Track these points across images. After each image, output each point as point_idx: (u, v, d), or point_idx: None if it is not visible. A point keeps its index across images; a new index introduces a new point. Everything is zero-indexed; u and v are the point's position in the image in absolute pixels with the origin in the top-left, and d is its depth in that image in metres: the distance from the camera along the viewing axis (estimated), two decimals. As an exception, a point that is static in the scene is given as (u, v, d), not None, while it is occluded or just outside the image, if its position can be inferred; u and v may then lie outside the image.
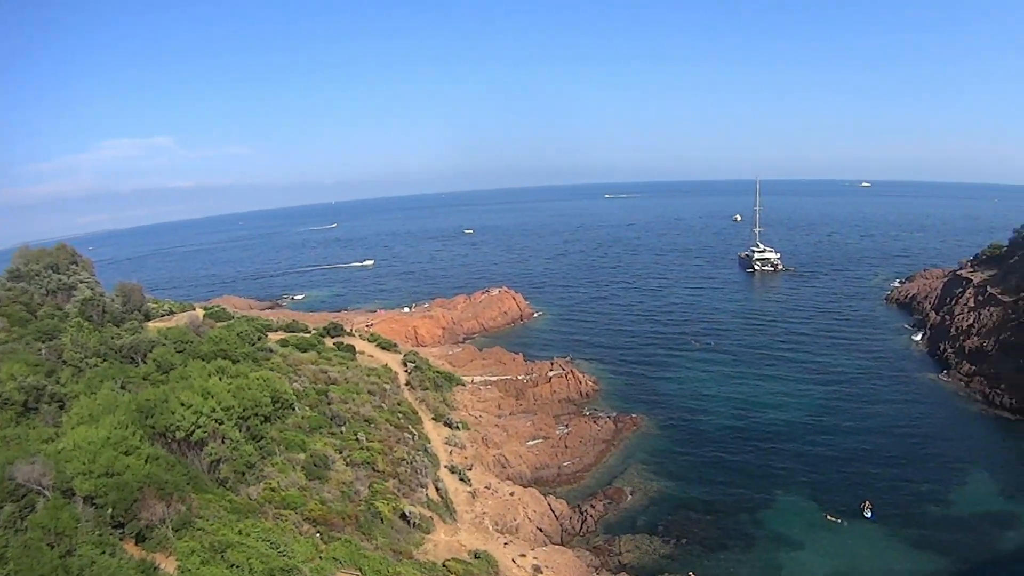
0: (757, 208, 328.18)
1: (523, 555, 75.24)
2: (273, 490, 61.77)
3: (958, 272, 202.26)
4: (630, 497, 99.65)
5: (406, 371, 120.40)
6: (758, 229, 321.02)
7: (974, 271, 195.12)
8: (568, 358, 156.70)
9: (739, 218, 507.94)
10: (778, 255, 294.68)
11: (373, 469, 76.93)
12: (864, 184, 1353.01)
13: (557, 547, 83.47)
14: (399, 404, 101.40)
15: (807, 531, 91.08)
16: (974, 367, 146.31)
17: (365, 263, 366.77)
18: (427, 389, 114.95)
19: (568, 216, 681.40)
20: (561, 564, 76.74)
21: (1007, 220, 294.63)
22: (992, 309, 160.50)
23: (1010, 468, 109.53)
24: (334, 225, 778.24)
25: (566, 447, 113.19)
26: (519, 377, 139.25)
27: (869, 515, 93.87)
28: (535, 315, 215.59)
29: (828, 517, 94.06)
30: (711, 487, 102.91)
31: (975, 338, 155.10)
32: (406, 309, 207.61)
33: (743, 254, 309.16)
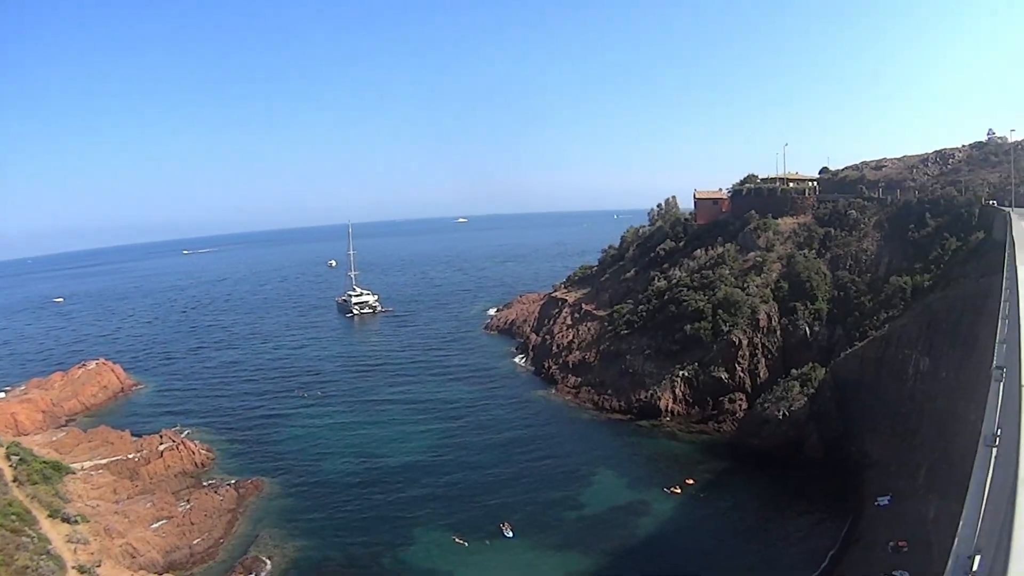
0: (351, 252, 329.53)
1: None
2: None
3: (553, 295, 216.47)
4: (269, 564, 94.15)
5: (11, 466, 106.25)
6: (353, 273, 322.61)
7: (568, 292, 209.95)
8: (177, 428, 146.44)
9: (334, 264, 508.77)
10: (376, 297, 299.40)
11: (-4, 584, 66.43)
12: (461, 220, 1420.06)
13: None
14: (10, 505, 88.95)
15: (452, 561, 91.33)
16: (580, 379, 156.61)
17: None
18: (36, 483, 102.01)
19: (156, 276, 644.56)
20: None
21: (594, 243, 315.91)
22: (589, 324, 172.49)
23: (629, 463, 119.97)
24: None
25: (192, 524, 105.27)
26: (130, 456, 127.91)
27: (510, 534, 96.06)
28: (137, 387, 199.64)
29: (456, 540, 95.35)
30: (348, 537, 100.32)
31: (577, 352, 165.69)
32: (1, 394, 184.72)
33: (341, 299, 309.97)
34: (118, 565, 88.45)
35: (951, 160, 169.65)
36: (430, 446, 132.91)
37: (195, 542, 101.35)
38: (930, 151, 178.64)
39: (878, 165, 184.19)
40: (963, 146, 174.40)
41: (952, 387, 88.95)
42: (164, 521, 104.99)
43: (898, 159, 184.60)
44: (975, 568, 14.21)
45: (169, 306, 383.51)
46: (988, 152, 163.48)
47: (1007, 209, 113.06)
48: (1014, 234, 67.60)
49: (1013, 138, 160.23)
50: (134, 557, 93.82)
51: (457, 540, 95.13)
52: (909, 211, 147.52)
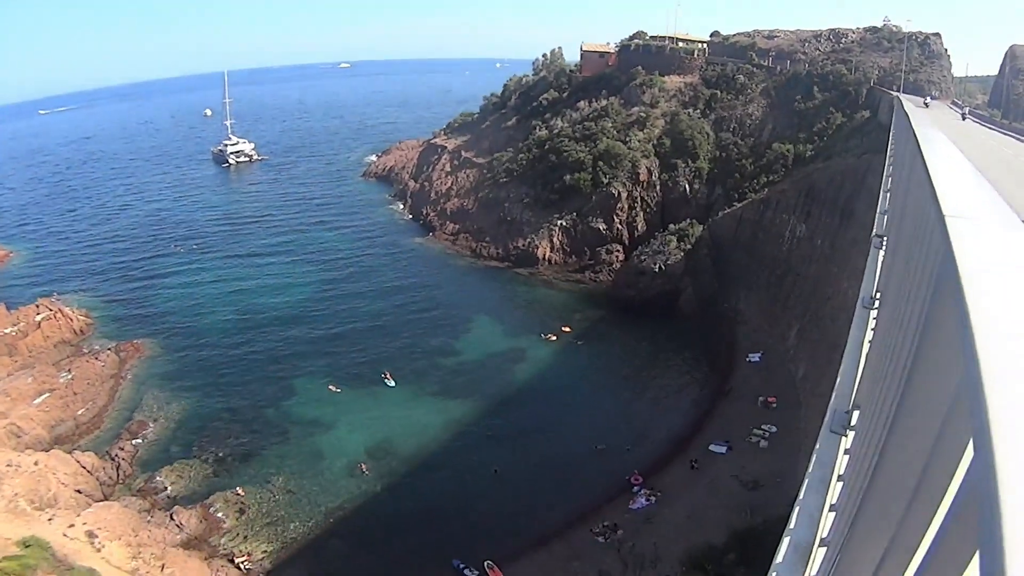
0: (227, 100, 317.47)
1: (71, 525, 67.80)
2: None
3: (432, 141, 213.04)
4: (155, 427, 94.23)
5: None
6: (229, 122, 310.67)
7: (448, 139, 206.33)
8: (53, 296, 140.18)
9: (210, 113, 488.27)
10: (252, 146, 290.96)
11: None
12: (344, 65, 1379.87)
13: (102, 504, 76.30)
14: None
15: (335, 411, 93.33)
16: (458, 226, 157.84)
17: None
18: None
19: (14, 139, 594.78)
20: (112, 520, 70.52)
21: (476, 91, 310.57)
22: (468, 171, 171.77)
23: (506, 310, 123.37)
24: None
25: (75, 394, 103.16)
26: (6, 331, 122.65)
27: (392, 383, 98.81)
28: (8, 256, 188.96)
29: (331, 388, 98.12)
30: (231, 394, 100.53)
31: (455, 199, 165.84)
32: None
33: (216, 149, 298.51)
34: (3, 447, 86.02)
35: (844, 40, 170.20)
36: (310, 298, 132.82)
37: (79, 413, 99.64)
38: (824, 28, 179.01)
39: (770, 35, 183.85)
40: (858, 28, 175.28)
41: (827, 255, 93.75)
42: (47, 395, 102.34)
43: (791, 31, 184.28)
44: (853, 423, 14.75)
45: (35, 169, 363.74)
46: (882, 37, 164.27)
47: (895, 93, 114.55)
48: (906, 108, 67.91)
49: (908, 28, 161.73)
50: (19, 437, 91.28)
51: (333, 389, 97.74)
52: (797, 82, 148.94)
